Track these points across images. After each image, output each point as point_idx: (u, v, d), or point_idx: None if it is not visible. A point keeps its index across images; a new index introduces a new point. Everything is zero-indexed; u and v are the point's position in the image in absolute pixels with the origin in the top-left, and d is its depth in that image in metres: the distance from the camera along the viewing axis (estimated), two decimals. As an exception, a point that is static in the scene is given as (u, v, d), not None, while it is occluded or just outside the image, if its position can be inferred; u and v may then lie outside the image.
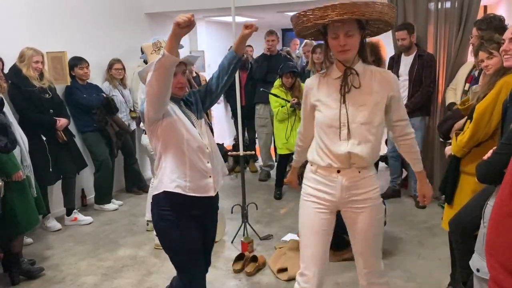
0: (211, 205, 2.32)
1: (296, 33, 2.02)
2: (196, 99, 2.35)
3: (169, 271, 3.44)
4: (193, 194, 2.14)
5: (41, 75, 4.07)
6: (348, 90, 1.95)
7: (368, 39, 5.70)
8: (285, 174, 5.18)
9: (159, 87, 1.92)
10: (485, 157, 1.93)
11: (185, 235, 2.17)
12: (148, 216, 4.35)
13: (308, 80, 2.14)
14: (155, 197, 2.18)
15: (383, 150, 5.72)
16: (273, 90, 4.75)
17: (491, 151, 1.92)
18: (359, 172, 2.02)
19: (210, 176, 2.20)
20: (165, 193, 2.12)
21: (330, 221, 2.12)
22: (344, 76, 1.96)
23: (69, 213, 4.46)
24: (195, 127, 2.19)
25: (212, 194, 2.23)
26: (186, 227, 2.16)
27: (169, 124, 2.09)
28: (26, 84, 3.92)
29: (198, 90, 2.43)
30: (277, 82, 4.81)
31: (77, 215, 4.48)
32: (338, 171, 2.01)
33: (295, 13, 1.92)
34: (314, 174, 2.08)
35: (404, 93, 4.53)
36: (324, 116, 2.01)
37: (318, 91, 2.04)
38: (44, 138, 4.09)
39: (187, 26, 1.84)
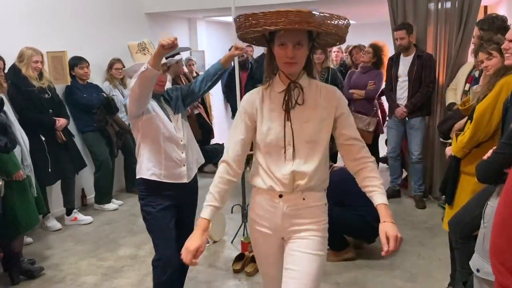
0: (186, 191, 2.54)
1: (238, 36, 1.78)
2: (177, 96, 2.59)
3: (169, 271, 3.44)
4: (167, 181, 2.44)
5: (40, 75, 4.07)
6: (292, 106, 1.74)
7: (373, 41, 5.58)
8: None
9: (141, 93, 2.23)
10: (485, 157, 1.92)
11: (158, 213, 2.44)
12: None
13: (248, 94, 1.85)
14: (136, 181, 2.50)
15: (383, 150, 5.73)
16: None
17: (491, 150, 1.92)
18: (304, 199, 1.78)
19: (184, 165, 2.48)
20: (142, 179, 2.45)
21: (279, 246, 1.87)
22: (288, 91, 1.74)
23: (69, 213, 4.46)
24: (171, 121, 2.46)
25: (186, 181, 2.50)
26: (160, 207, 2.45)
27: (148, 119, 2.38)
28: (25, 84, 3.92)
29: (181, 87, 2.68)
30: None
31: (77, 214, 4.48)
32: (280, 196, 1.78)
33: (239, 14, 1.70)
34: (257, 197, 1.87)
35: (403, 94, 4.54)
36: (268, 135, 1.76)
37: (262, 107, 1.79)
38: (43, 138, 4.08)
39: (170, 48, 2.01)
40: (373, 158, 1.85)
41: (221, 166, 1.82)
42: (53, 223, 4.32)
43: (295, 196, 1.78)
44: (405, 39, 4.41)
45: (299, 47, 1.66)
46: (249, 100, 1.82)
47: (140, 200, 2.52)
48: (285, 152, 1.75)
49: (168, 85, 4.13)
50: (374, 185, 1.78)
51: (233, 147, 1.82)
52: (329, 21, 1.60)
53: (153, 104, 2.42)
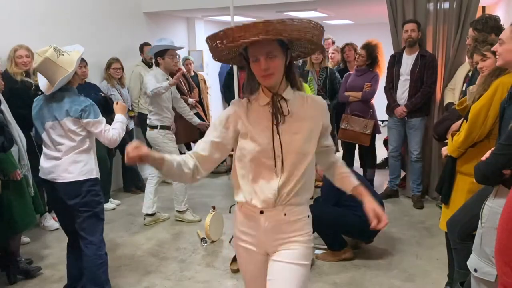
0: None
1: (214, 58, 1.75)
2: None
3: (167, 270, 3.44)
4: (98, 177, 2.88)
5: (32, 72, 4.04)
6: (281, 120, 1.70)
7: (367, 41, 5.55)
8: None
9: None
10: (484, 158, 1.93)
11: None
12: (145, 209, 4.34)
13: (234, 104, 1.80)
14: (85, 181, 2.73)
15: (383, 152, 5.73)
16: None
17: (489, 152, 1.92)
18: (285, 214, 1.73)
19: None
20: (97, 179, 2.82)
21: (264, 263, 1.82)
22: (273, 103, 1.70)
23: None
24: None
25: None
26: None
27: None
28: (11, 81, 3.85)
29: None
30: None
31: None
32: (261, 212, 1.74)
33: (207, 37, 1.65)
34: (239, 213, 1.84)
35: (404, 94, 4.53)
36: (256, 147, 1.71)
37: (247, 119, 1.74)
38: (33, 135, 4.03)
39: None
40: (340, 159, 1.93)
41: (186, 155, 1.75)
42: (51, 223, 4.30)
43: (276, 212, 1.74)
44: (416, 32, 4.40)
45: (271, 58, 1.62)
46: (235, 109, 1.77)
47: (98, 200, 2.81)
48: (275, 166, 1.71)
49: (163, 78, 4.21)
50: (345, 172, 1.88)
51: (202, 146, 1.76)
52: (290, 27, 1.53)
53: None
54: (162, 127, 4.21)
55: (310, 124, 1.73)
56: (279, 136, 1.69)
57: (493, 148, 1.90)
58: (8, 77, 3.87)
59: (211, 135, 1.77)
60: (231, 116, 1.76)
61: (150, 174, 4.46)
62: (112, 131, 2.82)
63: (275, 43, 1.61)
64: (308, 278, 1.79)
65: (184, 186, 4.34)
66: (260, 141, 1.71)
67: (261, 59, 1.61)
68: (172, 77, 4.33)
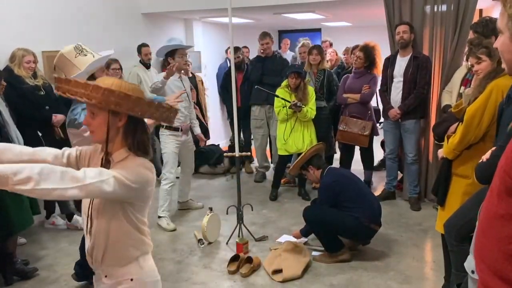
0: None
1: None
2: None
3: (164, 271, 3.43)
4: None
5: (35, 74, 4.06)
6: None
7: (364, 43, 5.54)
8: (283, 175, 5.20)
9: None
10: (485, 159, 1.93)
11: None
12: (160, 213, 4.29)
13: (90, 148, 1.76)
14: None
15: (380, 154, 5.73)
16: (278, 90, 4.76)
17: (489, 152, 1.92)
18: (106, 276, 1.72)
19: None
20: None
21: None
22: (102, 159, 1.63)
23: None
24: None
25: None
26: None
27: None
28: (19, 82, 3.90)
29: None
30: (284, 83, 4.81)
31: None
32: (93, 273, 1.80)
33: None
34: None
35: (398, 95, 4.53)
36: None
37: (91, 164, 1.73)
38: (40, 134, 4.06)
39: None
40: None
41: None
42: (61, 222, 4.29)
43: (98, 272, 1.75)
44: (408, 34, 4.42)
45: (93, 116, 1.57)
46: (89, 153, 1.75)
47: None
48: (87, 226, 1.67)
49: (175, 77, 4.16)
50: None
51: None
52: (106, 97, 1.47)
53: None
54: (167, 127, 4.18)
55: None
56: None
57: (493, 148, 1.90)
58: (15, 78, 3.89)
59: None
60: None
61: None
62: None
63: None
64: None
65: (165, 191, 4.24)
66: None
67: (87, 115, 1.59)
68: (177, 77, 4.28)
